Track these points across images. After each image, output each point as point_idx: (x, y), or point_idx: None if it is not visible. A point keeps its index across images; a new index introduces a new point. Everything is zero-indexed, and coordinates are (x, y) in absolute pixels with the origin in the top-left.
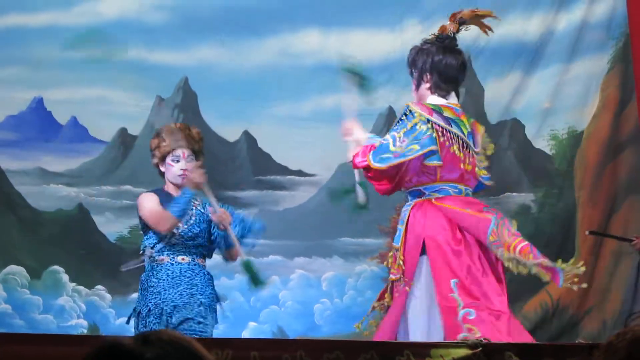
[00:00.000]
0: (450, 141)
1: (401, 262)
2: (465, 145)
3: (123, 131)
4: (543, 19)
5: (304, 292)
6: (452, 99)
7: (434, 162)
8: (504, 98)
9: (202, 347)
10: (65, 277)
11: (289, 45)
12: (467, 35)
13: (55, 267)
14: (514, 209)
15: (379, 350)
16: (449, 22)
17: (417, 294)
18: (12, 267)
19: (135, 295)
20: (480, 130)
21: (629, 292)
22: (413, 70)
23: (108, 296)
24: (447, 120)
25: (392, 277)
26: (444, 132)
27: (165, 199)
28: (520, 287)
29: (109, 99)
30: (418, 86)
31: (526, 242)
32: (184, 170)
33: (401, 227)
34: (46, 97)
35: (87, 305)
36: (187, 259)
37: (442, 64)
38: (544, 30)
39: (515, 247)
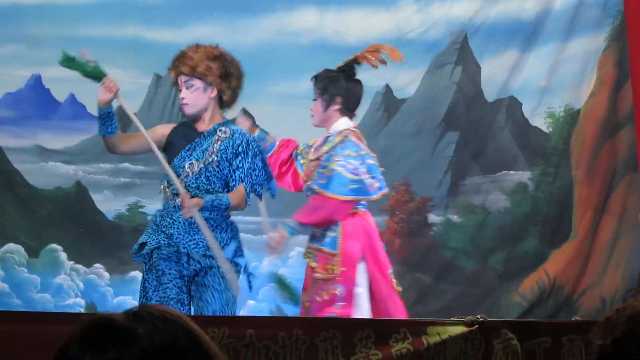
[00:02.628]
0: None
1: (338, 268)
2: None
3: (121, 108)
4: None
5: (303, 270)
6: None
7: None
8: (500, 76)
9: (192, 322)
10: (63, 256)
11: (286, 24)
12: (464, 13)
13: (54, 245)
14: (511, 187)
15: (375, 327)
16: (366, 53)
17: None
18: (10, 246)
19: (133, 273)
20: None
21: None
22: (322, 92)
23: (106, 274)
24: None
25: (319, 275)
26: None
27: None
28: (517, 265)
29: None
30: (326, 108)
31: None
32: (182, 99)
33: (334, 235)
34: (44, 74)
35: (85, 284)
36: None
37: (352, 90)
38: (541, 9)
39: None
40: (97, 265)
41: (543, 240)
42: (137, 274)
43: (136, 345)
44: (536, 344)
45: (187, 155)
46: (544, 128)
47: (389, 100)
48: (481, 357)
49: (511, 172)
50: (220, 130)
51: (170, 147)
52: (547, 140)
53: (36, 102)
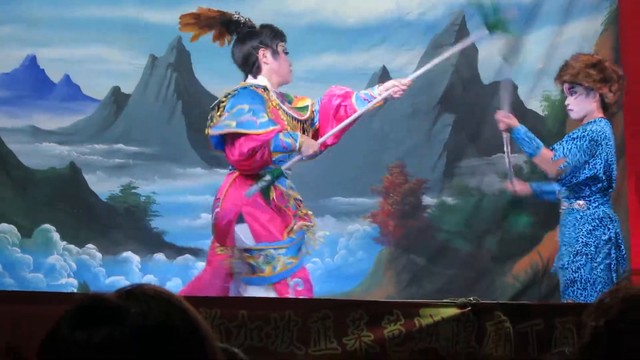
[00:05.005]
0: None
1: None
2: None
3: (116, 89)
4: None
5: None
6: None
7: None
8: (497, 59)
9: (186, 302)
10: (56, 236)
11: (285, 5)
12: None
13: (47, 225)
14: (506, 170)
15: (368, 309)
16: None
17: None
18: (3, 226)
19: (125, 254)
20: None
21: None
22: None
23: (99, 255)
24: None
25: None
26: None
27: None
28: (511, 247)
29: (102, 58)
30: None
31: None
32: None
33: None
34: (39, 55)
35: (78, 264)
36: None
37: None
38: None
39: None
40: (90, 245)
41: (537, 222)
42: (130, 255)
43: (127, 324)
44: (529, 326)
45: None
46: (540, 111)
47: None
48: (474, 339)
49: None
50: None
51: None
52: (542, 123)
53: (31, 83)
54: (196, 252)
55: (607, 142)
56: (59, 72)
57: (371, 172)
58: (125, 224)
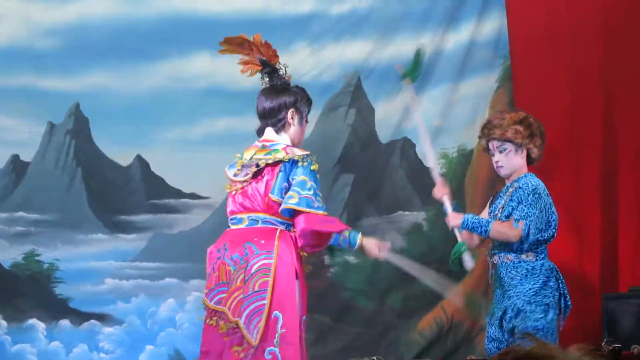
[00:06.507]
0: None
1: None
2: None
3: (15, 157)
4: (431, 39)
5: (200, 314)
6: None
7: None
8: (394, 118)
9: None
10: None
11: (180, 70)
12: (358, 55)
13: None
14: (406, 228)
15: None
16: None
17: None
18: None
19: (31, 321)
20: None
21: None
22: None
23: (4, 323)
24: None
25: None
26: None
27: None
28: (415, 304)
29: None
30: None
31: None
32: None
33: None
34: None
35: None
36: None
37: None
38: (433, 50)
39: None
40: None
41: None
42: (35, 322)
43: None
44: None
45: None
46: (438, 169)
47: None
48: None
49: (406, 212)
50: None
51: None
52: None
53: None
54: (102, 317)
55: (547, 194)
56: None
57: None
58: (29, 291)
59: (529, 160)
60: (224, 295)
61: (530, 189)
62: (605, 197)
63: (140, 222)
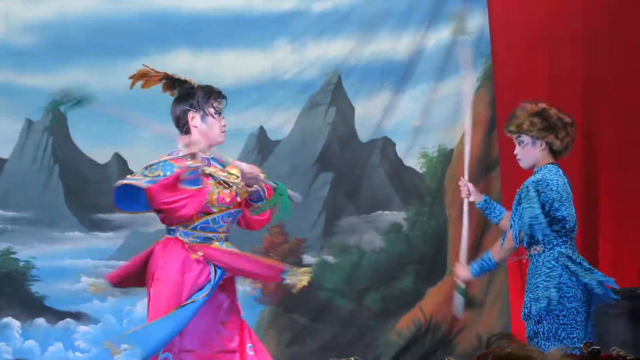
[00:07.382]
0: None
1: None
2: None
3: None
4: (412, 38)
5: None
6: None
7: None
8: (374, 117)
9: None
10: None
11: (160, 67)
12: (338, 54)
13: None
14: (386, 227)
15: None
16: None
17: None
18: None
19: (6, 320)
20: None
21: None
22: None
23: None
24: None
25: None
26: None
27: None
28: (393, 304)
29: None
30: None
31: None
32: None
33: None
34: None
35: None
36: None
37: None
38: (414, 49)
39: None
40: None
41: (419, 278)
42: (10, 320)
43: None
44: None
45: None
46: (418, 168)
47: (262, 142)
48: None
49: (386, 212)
50: None
51: None
52: (421, 180)
53: None
54: (77, 316)
55: (550, 188)
56: None
57: (250, 232)
58: (4, 289)
59: (553, 152)
60: None
61: (523, 190)
62: (586, 202)
63: (117, 221)
